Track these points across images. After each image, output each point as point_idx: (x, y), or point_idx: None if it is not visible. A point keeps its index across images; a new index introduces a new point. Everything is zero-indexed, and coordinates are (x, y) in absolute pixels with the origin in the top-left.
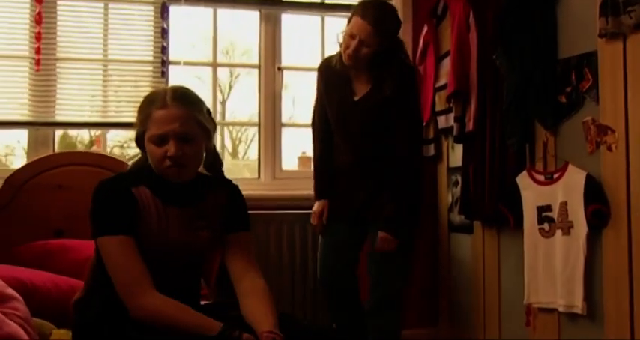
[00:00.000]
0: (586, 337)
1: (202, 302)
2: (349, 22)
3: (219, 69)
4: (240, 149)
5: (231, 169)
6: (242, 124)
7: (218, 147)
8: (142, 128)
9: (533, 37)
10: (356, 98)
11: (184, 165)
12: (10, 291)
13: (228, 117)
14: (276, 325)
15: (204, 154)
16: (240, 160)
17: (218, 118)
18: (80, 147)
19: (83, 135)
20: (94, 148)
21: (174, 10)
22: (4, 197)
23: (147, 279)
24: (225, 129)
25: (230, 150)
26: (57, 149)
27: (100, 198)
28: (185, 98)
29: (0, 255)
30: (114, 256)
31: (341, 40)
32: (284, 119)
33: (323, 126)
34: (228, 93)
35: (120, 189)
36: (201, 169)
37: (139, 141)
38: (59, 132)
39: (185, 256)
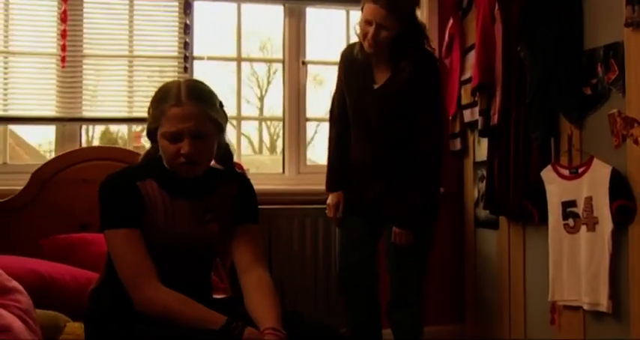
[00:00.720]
0: (612, 336)
1: (219, 297)
2: (362, 9)
3: (259, 65)
4: (279, 144)
5: (269, 164)
6: (267, 119)
7: (256, 142)
8: (154, 124)
9: (558, 28)
10: (376, 86)
11: (197, 162)
12: (13, 283)
13: (267, 113)
14: (279, 322)
15: (216, 147)
16: (277, 155)
17: (256, 113)
18: (121, 143)
19: (124, 131)
20: (135, 144)
21: (204, 5)
22: (31, 191)
23: (151, 272)
24: (263, 124)
25: (268, 145)
26: (98, 144)
27: (105, 192)
28: (199, 94)
29: (27, 248)
30: (118, 249)
31: (359, 32)
32: (321, 114)
33: (341, 115)
34: (266, 89)
35: (124, 183)
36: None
37: (151, 134)
38: (100, 128)
39: (193, 249)
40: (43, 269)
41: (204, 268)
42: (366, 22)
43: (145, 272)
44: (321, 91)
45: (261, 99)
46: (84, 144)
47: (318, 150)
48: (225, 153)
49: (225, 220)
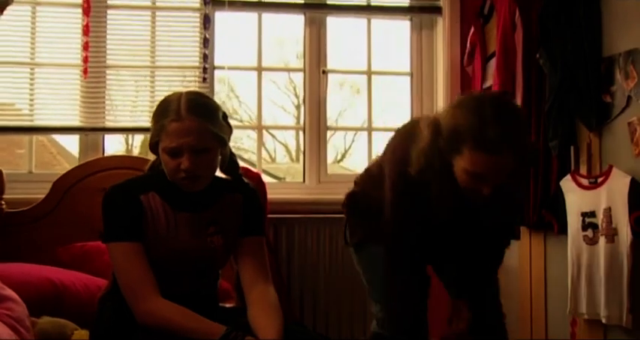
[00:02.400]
0: None
1: (229, 305)
2: (457, 151)
3: (296, 73)
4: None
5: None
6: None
7: (293, 152)
8: (156, 138)
9: (577, 35)
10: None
11: (198, 176)
12: (8, 292)
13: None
14: (281, 335)
15: (221, 159)
16: None
17: (293, 121)
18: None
19: None
20: None
21: (232, 15)
22: (52, 200)
23: (151, 285)
24: (300, 132)
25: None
26: (137, 154)
27: (107, 204)
28: (199, 109)
29: (48, 255)
30: (119, 262)
31: (459, 178)
32: (359, 123)
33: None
34: (303, 97)
35: (126, 196)
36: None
37: (153, 147)
38: (139, 138)
39: (197, 262)
40: (54, 276)
41: (209, 279)
42: (470, 174)
43: (145, 285)
44: (358, 99)
45: (298, 107)
46: (124, 153)
47: (356, 159)
48: (230, 163)
49: (230, 232)
